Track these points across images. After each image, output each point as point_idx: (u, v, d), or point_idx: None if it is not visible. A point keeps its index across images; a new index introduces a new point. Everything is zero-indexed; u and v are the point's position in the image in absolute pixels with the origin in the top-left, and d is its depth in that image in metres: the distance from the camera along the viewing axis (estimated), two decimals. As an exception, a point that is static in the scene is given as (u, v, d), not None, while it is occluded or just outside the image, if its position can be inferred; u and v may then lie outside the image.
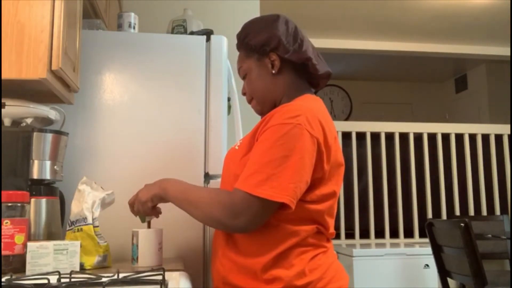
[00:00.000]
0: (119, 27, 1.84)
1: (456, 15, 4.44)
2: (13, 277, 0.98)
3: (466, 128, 4.39)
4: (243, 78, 1.36)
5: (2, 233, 1.10)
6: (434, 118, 6.36)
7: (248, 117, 2.06)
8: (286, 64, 1.30)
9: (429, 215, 4.18)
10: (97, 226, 1.29)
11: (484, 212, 4.29)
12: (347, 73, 6.60)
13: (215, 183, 1.61)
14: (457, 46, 5.18)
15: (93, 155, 1.61)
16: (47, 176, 1.33)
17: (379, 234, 4.11)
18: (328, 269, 1.20)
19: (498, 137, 4.46)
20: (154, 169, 1.60)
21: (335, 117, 6.67)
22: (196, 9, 2.45)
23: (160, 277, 0.95)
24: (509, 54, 5.16)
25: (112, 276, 0.98)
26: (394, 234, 4.13)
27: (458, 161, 4.32)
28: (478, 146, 4.36)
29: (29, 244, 1.12)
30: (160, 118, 1.66)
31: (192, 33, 1.85)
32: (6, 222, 1.11)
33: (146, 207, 1.29)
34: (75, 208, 1.29)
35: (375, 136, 4.27)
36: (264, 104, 1.33)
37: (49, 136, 1.34)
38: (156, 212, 1.34)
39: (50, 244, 1.13)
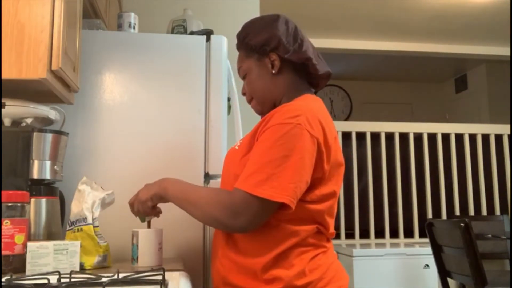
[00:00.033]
0: (119, 27, 1.84)
1: (456, 15, 4.44)
2: (13, 277, 0.98)
3: (466, 128, 4.39)
4: (243, 78, 1.36)
5: (2, 233, 1.10)
6: (434, 118, 6.36)
7: (248, 117, 2.06)
8: (286, 64, 1.30)
9: (429, 215, 4.18)
10: (97, 226, 1.29)
11: (484, 212, 4.28)
12: (347, 73, 6.61)
13: (215, 183, 1.61)
14: (457, 46, 5.18)
15: (93, 155, 1.61)
16: (47, 176, 1.33)
17: (379, 234, 4.11)
18: (328, 269, 1.20)
19: (498, 137, 4.46)
20: (154, 169, 1.60)
21: (335, 117, 6.67)
22: (196, 9, 2.45)
23: (160, 277, 0.95)
24: (509, 54, 5.16)
25: (112, 276, 0.98)
26: (394, 234, 4.13)
27: (458, 161, 4.32)
28: (478, 146, 4.36)
29: (29, 244, 1.12)
30: (160, 118, 1.66)
31: (192, 33, 1.85)
32: (6, 222, 1.11)
33: (146, 207, 1.29)
34: (75, 208, 1.29)
35: (375, 136, 4.27)
36: (264, 104, 1.33)
37: (49, 136, 1.34)
38: (156, 211, 1.34)
39: (50, 244, 1.13)
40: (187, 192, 1.23)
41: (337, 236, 4.03)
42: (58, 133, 1.38)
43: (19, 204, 1.14)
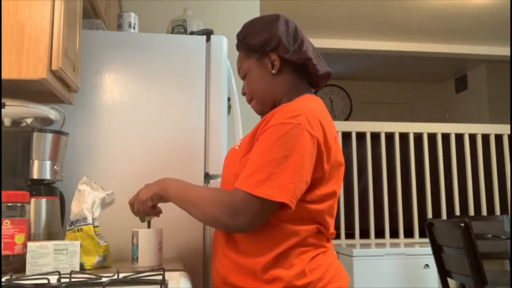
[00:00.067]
0: (119, 27, 1.84)
1: (456, 15, 4.44)
2: (13, 277, 0.98)
3: (466, 128, 4.39)
4: (243, 78, 1.36)
5: (2, 233, 1.10)
6: (434, 118, 6.36)
7: (248, 117, 2.06)
8: (286, 64, 1.30)
9: (429, 215, 4.18)
10: (97, 226, 1.29)
11: (484, 212, 4.28)
12: (347, 73, 6.60)
13: (215, 183, 1.61)
14: (457, 46, 5.18)
15: (93, 155, 1.61)
16: (47, 176, 1.33)
17: (379, 234, 4.11)
18: (328, 269, 1.20)
19: (498, 137, 4.46)
20: (154, 169, 1.60)
21: (335, 117, 6.67)
22: (196, 9, 2.45)
23: (160, 277, 0.95)
24: (509, 54, 5.16)
25: (112, 276, 0.98)
26: (394, 234, 4.13)
27: (458, 161, 4.32)
28: (478, 146, 4.36)
29: (29, 244, 1.12)
30: (160, 118, 1.66)
31: (192, 33, 1.85)
32: (6, 222, 1.11)
33: (146, 206, 1.29)
34: (75, 208, 1.29)
35: (375, 136, 4.27)
36: (264, 104, 1.33)
37: (49, 136, 1.34)
38: (156, 211, 1.34)
39: (50, 244, 1.13)
40: (187, 192, 1.23)
41: (337, 236, 4.03)
42: (58, 133, 1.38)
43: (19, 204, 1.14)
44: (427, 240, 3.03)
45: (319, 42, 4.74)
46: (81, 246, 1.19)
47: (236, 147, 1.30)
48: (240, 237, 1.19)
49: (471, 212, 4.26)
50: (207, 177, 1.64)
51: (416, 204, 4.18)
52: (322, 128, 1.18)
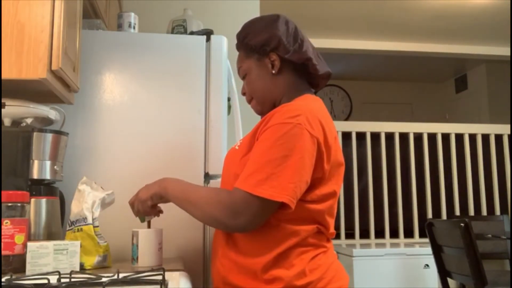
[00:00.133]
0: (119, 27, 1.84)
1: (456, 15, 4.44)
2: (13, 277, 0.98)
3: (466, 128, 4.39)
4: (243, 78, 1.36)
5: (2, 233, 1.10)
6: (434, 118, 6.36)
7: (248, 117, 2.06)
8: (286, 64, 1.30)
9: (429, 215, 4.18)
10: (97, 226, 1.29)
11: (484, 212, 4.28)
12: (347, 73, 6.60)
13: (215, 183, 1.61)
14: (457, 46, 5.18)
15: (93, 155, 1.61)
16: (47, 176, 1.33)
17: (379, 234, 4.11)
18: (328, 269, 1.20)
19: (498, 137, 4.46)
20: (154, 169, 1.60)
21: (335, 117, 6.67)
22: (196, 9, 2.45)
23: (160, 277, 0.95)
24: (509, 54, 5.16)
25: (112, 276, 0.98)
26: (394, 234, 4.13)
27: (458, 161, 4.32)
28: (478, 146, 4.36)
29: (29, 244, 1.12)
30: (160, 118, 1.66)
31: (192, 33, 1.85)
32: (6, 222, 1.11)
33: (145, 206, 1.29)
34: (75, 208, 1.29)
35: (375, 136, 4.27)
36: (264, 104, 1.33)
37: (49, 136, 1.34)
38: (155, 211, 1.34)
39: (50, 244, 1.13)
40: (187, 192, 1.23)
41: (337, 236, 4.03)
42: (58, 133, 1.38)
43: (19, 204, 1.14)
44: (427, 240, 3.03)
45: (319, 42, 4.74)
46: (81, 246, 1.19)
47: (236, 147, 1.30)
48: (240, 237, 1.19)
49: (471, 212, 4.26)
50: (207, 177, 1.64)
51: (416, 204, 4.18)
52: (322, 128, 1.18)
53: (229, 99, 1.93)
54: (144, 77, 1.67)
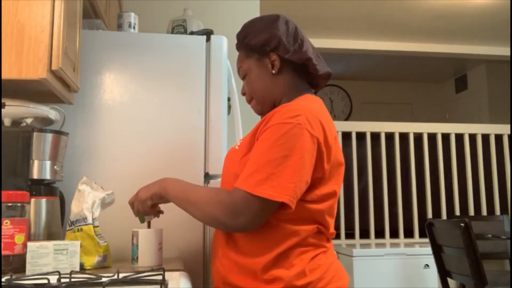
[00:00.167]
0: (119, 27, 1.84)
1: (456, 15, 4.44)
2: (13, 277, 0.98)
3: (466, 128, 4.39)
4: (243, 78, 1.36)
5: (2, 233, 1.10)
6: (434, 118, 6.36)
7: (248, 117, 2.06)
8: (286, 64, 1.30)
9: (429, 215, 4.18)
10: (97, 226, 1.29)
11: (484, 212, 4.29)
12: (347, 73, 6.61)
13: (215, 183, 1.61)
14: (457, 46, 5.18)
15: (93, 155, 1.61)
16: (47, 176, 1.33)
17: (379, 234, 4.11)
18: (328, 269, 1.20)
19: (498, 137, 4.46)
20: (154, 169, 1.60)
21: (335, 117, 6.67)
22: (196, 9, 2.45)
23: (160, 277, 0.95)
24: (509, 54, 5.16)
25: (112, 276, 0.98)
26: (394, 234, 4.13)
27: (458, 161, 4.32)
28: (478, 146, 4.36)
29: (29, 244, 1.12)
30: (160, 118, 1.66)
31: (192, 33, 1.85)
32: (6, 222, 1.11)
33: (145, 206, 1.29)
34: (75, 208, 1.29)
35: (375, 136, 4.27)
36: (264, 104, 1.33)
37: (49, 136, 1.34)
38: (155, 211, 1.34)
39: (50, 244, 1.13)
40: (187, 192, 1.23)
41: (337, 236, 4.03)
42: (58, 133, 1.38)
43: (19, 204, 1.14)
44: (427, 240, 3.03)
45: (319, 42, 4.74)
46: (81, 246, 1.19)
47: (236, 147, 1.30)
48: (240, 237, 1.19)
49: (471, 212, 4.26)
50: (207, 177, 1.64)
51: (416, 204, 4.18)
52: (322, 128, 1.18)
53: (229, 99, 1.93)
54: (144, 77, 1.67)
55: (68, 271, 1.04)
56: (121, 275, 0.97)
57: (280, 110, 1.19)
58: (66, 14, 1.31)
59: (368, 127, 4.27)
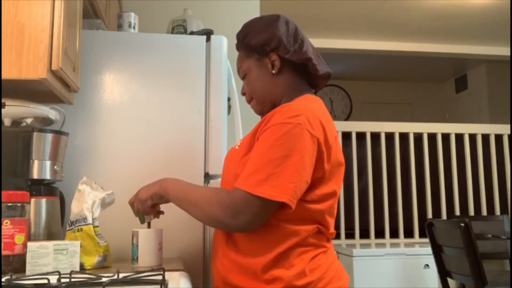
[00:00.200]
0: (119, 27, 1.84)
1: (456, 15, 4.44)
2: (13, 277, 0.98)
3: (466, 128, 4.39)
4: (243, 78, 1.36)
5: (2, 233, 1.10)
6: (434, 118, 6.37)
7: (248, 117, 2.06)
8: (286, 64, 1.30)
9: (429, 215, 4.18)
10: (97, 226, 1.29)
11: (484, 212, 4.29)
12: (347, 73, 6.61)
13: (215, 183, 1.61)
14: (457, 46, 5.18)
15: (93, 155, 1.61)
16: (47, 176, 1.33)
17: (379, 234, 4.11)
18: (328, 269, 1.20)
19: (498, 137, 4.46)
20: (154, 169, 1.60)
21: (335, 117, 6.68)
22: (196, 9, 2.45)
23: (160, 277, 0.95)
24: (509, 54, 5.16)
25: (112, 276, 0.98)
26: (394, 234, 4.13)
27: (458, 161, 4.32)
28: (478, 146, 4.36)
29: (29, 244, 1.12)
30: (160, 118, 1.66)
31: (192, 33, 1.85)
32: (6, 222, 1.11)
33: (145, 206, 1.29)
34: (75, 208, 1.29)
35: (375, 136, 4.27)
36: (263, 104, 1.33)
37: (49, 136, 1.34)
38: (155, 211, 1.34)
39: (50, 244, 1.13)
40: (187, 192, 1.23)
41: (337, 236, 4.03)
42: (58, 133, 1.38)
43: (19, 204, 1.14)
44: (427, 240, 3.03)
45: (319, 42, 4.74)
46: (81, 246, 1.19)
47: (236, 147, 1.30)
48: (240, 237, 1.19)
49: (471, 212, 4.26)
50: (207, 177, 1.64)
51: (416, 204, 4.18)
52: (322, 128, 1.18)
53: (229, 99, 1.93)
54: (144, 77, 1.67)
55: (68, 271, 1.04)
56: (121, 275, 0.97)
57: (280, 110, 1.19)
58: (66, 14, 1.31)
59: (368, 127, 4.27)
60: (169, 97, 1.67)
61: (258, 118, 1.31)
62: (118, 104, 1.65)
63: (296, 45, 1.29)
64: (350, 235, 4.11)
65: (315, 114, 1.18)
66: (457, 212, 4.25)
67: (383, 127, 4.29)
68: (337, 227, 3.94)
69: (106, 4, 2.15)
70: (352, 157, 4.13)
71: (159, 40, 1.71)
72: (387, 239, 4.09)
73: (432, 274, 3.26)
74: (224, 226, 1.18)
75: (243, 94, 1.38)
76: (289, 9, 4.15)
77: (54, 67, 1.24)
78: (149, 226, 1.37)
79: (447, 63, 6.10)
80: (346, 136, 4.20)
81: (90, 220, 1.27)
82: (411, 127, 4.32)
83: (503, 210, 4.35)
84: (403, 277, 3.25)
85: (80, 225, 1.26)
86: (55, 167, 1.35)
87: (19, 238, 1.12)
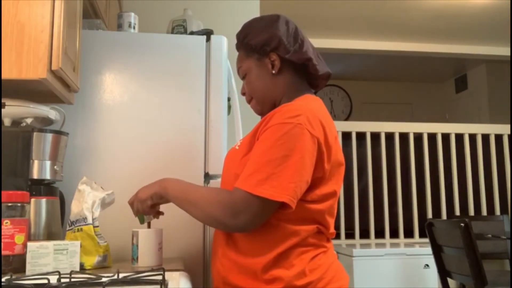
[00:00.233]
0: (119, 27, 1.84)
1: (456, 15, 4.44)
2: (13, 277, 0.98)
3: (466, 128, 4.39)
4: (243, 78, 1.36)
5: (2, 233, 1.10)
6: (434, 118, 6.37)
7: (248, 117, 2.06)
8: (286, 64, 1.30)
9: (429, 215, 4.18)
10: (97, 226, 1.29)
11: (484, 212, 4.29)
12: (347, 73, 6.61)
13: (215, 183, 1.62)
14: (457, 46, 5.18)
15: (93, 155, 1.61)
16: (47, 176, 1.33)
17: (379, 234, 4.11)
18: (328, 269, 1.20)
19: (498, 137, 4.46)
20: (154, 169, 1.60)
21: (335, 117, 6.68)
22: (196, 9, 2.45)
23: (160, 277, 0.95)
24: (509, 54, 5.16)
25: (112, 276, 0.98)
26: (394, 234, 4.13)
27: (458, 161, 4.32)
28: (478, 146, 4.36)
29: (29, 244, 1.12)
30: (160, 118, 1.66)
31: (192, 33, 1.85)
32: (6, 222, 1.11)
33: (145, 206, 1.29)
34: (75, 208, 1.29)
35: (375, 136, 4.27)
36: (263, 104, 1.33)
37: (49, 136, 1.34)
38: (155, 211, 1.34)
39: (50, 244, 1.13)
40: (187, 192, 1.23)
41: (337, 236, 4.03)
42: (58, 133, 1.38)
43: (19, 204, 1.14)
44: (427, 240, 3.03)
45: (319, 42, 4.74)
46: (81, 246, 1.19)
47: (236, 147, 1.30)
48: (240, 237, 1.19)
49: (471, 212, 4.26)
50: (207, 177, 1.64)
51: (416, 204, 4.18)
52: (322, 128, 1.18)
53: (229, 99, 1.93)
54: (144, 77, 1.67)
55: (68, 271, 1.04)
56: (121, 275, 0.97)
57: (281, 110, 1.19)
58: (66, 14, 1.31)
59: (368, 127, 4.27)
60: (169, 97, 1.67)
61: (258, 118, 1.31)
62: (118, 104, 1.65)
63: (296, 45, 1.29)
64: (350, 235, 4.11)
65: (315, 114, 1.18)
66: (457, 212, 4.25)
67: (383, 127, 4.29)
68: (337, 227, 3.94)
69: (106, 4, 2.15)
70: (352, 157, 4.13)
71: (159, 40, 1.71)
72: (387, 239, 4.09)
73: (432, 274, 3.26)
74: (224, 226, 1.18)
75: (243, 94, 1.38)
76: (289, 9, 4.15)
77: (54, 67, 1.24)
78: (149, 226, 1.37)
79: (447, 63, 6.10)
80: (346, 136, 4.20)
81: (90, 220, 1.27)
82: (411, 127, 4.32)
83: (503, 210, 4.35)
84: (403, 277, 3.25)
85: (80, 225, 1.26)
86: (55, 167, 1.35)
87: (19, 238, 1.12)
